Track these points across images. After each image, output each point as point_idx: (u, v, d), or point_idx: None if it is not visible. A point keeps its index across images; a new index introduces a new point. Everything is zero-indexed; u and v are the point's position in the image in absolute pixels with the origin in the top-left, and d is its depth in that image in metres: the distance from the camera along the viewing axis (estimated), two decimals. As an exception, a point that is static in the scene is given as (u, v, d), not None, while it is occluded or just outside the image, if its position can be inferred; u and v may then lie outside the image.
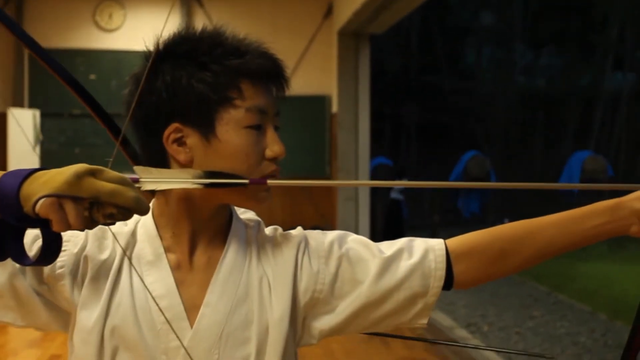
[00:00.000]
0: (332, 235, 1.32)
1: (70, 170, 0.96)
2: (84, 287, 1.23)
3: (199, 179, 1.15)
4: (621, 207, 1.26)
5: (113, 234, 1.25)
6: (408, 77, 21.98)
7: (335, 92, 9.38)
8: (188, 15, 9.20)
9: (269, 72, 1.25)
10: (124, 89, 1.26)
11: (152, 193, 1.29)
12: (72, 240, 1.24)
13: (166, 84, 1.21)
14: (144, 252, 1.26)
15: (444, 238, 1.33)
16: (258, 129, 1.23)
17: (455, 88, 21.50)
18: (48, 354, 5.44)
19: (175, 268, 1.25)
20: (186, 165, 1.21)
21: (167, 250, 1.26)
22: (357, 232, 1.35)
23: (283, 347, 1.24)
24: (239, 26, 1.27)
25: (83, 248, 1.24)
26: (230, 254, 1.27)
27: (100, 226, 1.02)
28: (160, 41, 1.24)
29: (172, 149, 1.22)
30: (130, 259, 1.25)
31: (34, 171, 0.98)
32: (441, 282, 1.29)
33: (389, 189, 12.77)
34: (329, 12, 9.49)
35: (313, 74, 9.32)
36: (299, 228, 1.34)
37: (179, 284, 1.24)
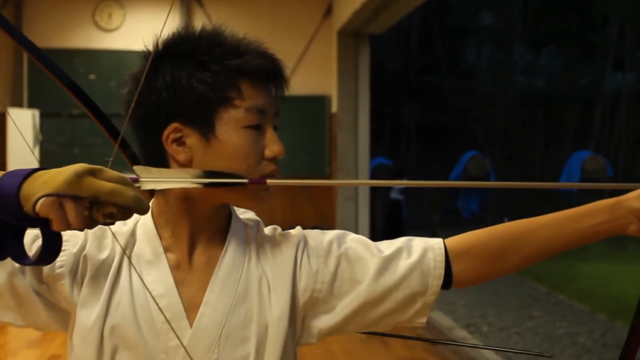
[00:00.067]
0: (331, 234, 1.32)
1: (70, 169, 0.96)
2: (83, 287, 1.23)
3: (198, 178, 1.16)
4: (620, 206, 1.26)
5: (113, 234, 1.25)
6: (408, 77, 21.97)
7: (335, 92, 9.38)
8: (188, 15, 9.20)
9: (268, 72, 1.25)
10: (123, 89, 1.26)
11: (151, 194, 1.29)
12: (72, 240, 1.24)
13: (166, 83, 1.21)
14: (143, 252, 1.26)
15: (444, 238, 1.34)
16: (257, 129, 1.23)
17: (455, 88, 21.49)
18: (47, 354, 5.44)
19: (175, 267, 1.25)
20: (185, 165, 1.21)
21: (166, 249, 1.26)
22: (356, 232, 1.35)
23: (282, 347, 1.24)
24: (238, 26, 1.27)
25: (82, 248, 1.24)
26: (230, 254, 1.27)
27: (99, 226, 1.02)
28: (160, 41, 1.24)
29: (171, 148, 1.22)
30: (129, 259, 1.25)
31: (33, 171, 0.98)
32: (440, 281, 1.29)
33: (388, 189, 12.77)
34: (328, 12, 9.49)
35: (313, 74, 9.32)
36: (298, 228, 1.35)
37: (178, 283, 1.24)
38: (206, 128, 1.21)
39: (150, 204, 1.29)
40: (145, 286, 1.22)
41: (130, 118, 1.21)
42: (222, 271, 1.25)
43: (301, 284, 1.27)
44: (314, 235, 1.32)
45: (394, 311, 1.29)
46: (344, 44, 9.26)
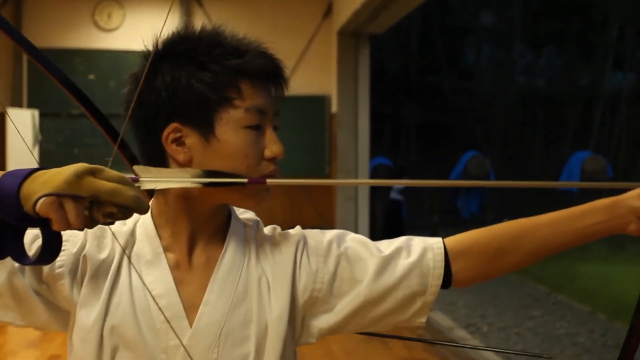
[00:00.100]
0: (330, 234, 1.32)
1: (70, 169, 0.96)
2: (83, 286, 1.23)
3: (198, 178, 1.16)
4: (619, 205, 1.26)
5: (113, 233, 1.25)
6: (408, 77, 21.98)
7: (334, 92, 9.38)
8: (187, 14, 9.20)
9: (268, 72, 1.25)
10: (123, 88, 1.26)
11: (150, 194, 1.29)
12: (71, 239, 1.24)
13: (166, 83, 1.21)
14: (143, 252, 1.26)
15: (443, 238, 1.34)
16: (257, 129, 1.23)
17: (455, 88, 21.51)
18: (47, 354, 5.44)
19: (174, 267, 1.25)
20: (185, 165, 1.21)
21: (166, 249, 1.26)
22: (356, 233, 1.35)
23: (282, 346, 1.24)
24: (238, 26, 1.27)
25: (82, 247, 1.24)
26: (229, 253, 1.27)
27: (99, 225, 1.02)
28: (160, 41, 1.24)
29: (171, 148, 1.22)
30: (129, 258, 1.25)
31: (33, 171, 0.98)
32: (439, 281, 1.29)
33: (388, 190, 12.77)
34: (328, 11, 9.49)
35: (312, 74, 9.32)
36: (298, 227, 1.35)
37: (177, 283, 1.24)
38: (206, 128, 1.20)
39: (150, 203, 1.29)
40: (145, 286, 1.22)
41: (129, 118, 1.22)
42: (221, 271, 1.25)
43: (301, 284, 1.27)
44: (313, 235, 1.32)
45: (393, 311, 1.29)
46: (344, 43, 9.26)
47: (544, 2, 21.40)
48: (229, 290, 1.25)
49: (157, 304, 1.20)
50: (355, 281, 1.28)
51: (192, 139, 1.21)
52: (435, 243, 1.31)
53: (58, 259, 1.21)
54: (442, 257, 1.29)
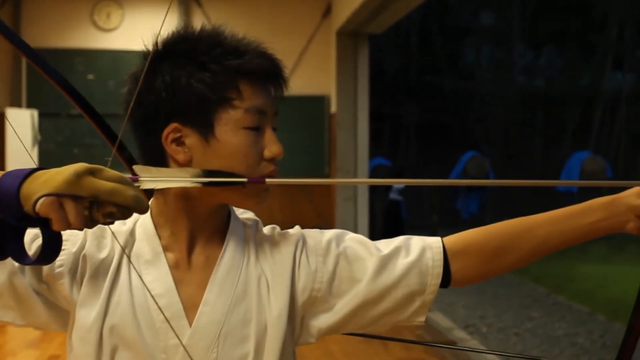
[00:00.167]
0: (329, 233, 1.32)
1: (69, 169, 0.96)
2: (82, 286, 1.23)
3: (197, 177, 1.16)
4: (617, 203, 1.26)
5: (112, 233, 1.26)
6: (407, 77, 21.97)
7: (334, 92, 9.38)
8: (186, 14, 9.20)
9: (267, 72, 1.25)
10: (122, 88, 1.26)
11: (149, 194, 1.29)
12: (71, 239, 1.24)
13: (165, 83, 1.21)
14: (142, 251, 1.26)
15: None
16: (256, 129, 1.23)
17: (455, 88, 21.50)
18: (47, 354, 5.43)
19: (174, 267, 1.25)
20: (185, 165, 1.22)
21: (165, 249, 1.26)
22: (356, 233, 1.35)
23: (281, 346, 1.24)
24: (237, 26, 1.27)
25: (82, 247, 1.24)
26: (229, 253, 1.27)
27: (99, 225, 1.02)
28: (159, 40, 1.24)
29: (170, 148, 1.22)
30: (129, 258, 1.25)
31: (33, 171, 0.99)
32: (438, 280, 1.29)
33: (387, 190, 12.77)
34: (327, 11, 9.49)
35: (312, 74, 9.33)
36: (297, 227, 1.35)
37: (177, 282, 1.24)
38: (205, 128, 1.21)
39: (150, 203, 1.29)
40: (145, 285, 1.22)
41: (129, 118, 1.22)
42: (221, 271, 1.25)
43: (300, 283, 1.28)
44: (312, 234, 1.32)
45: (392, 310, 1.29)
46: (343, 43, 9.26)
47: (543, 2, 21.40)
48: (229, 289, 1.25)
49: (156, 303, 1.21)
50: (354, 280, 1.28)
51: (191, 139, 1.21)
52: (434, 242, 1.31)
53: (58, 258, 1.21)
54: (441, 257, 1.29)
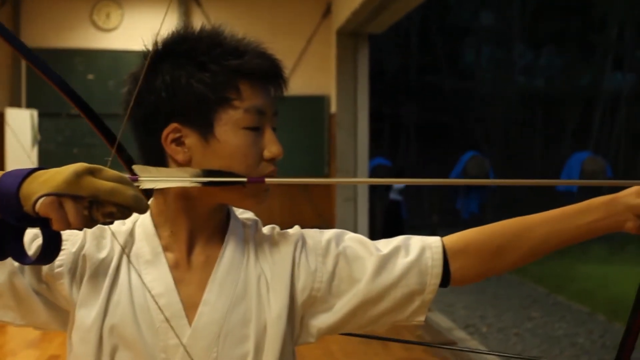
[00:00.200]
0: (329, 233, 1.32)
1: (69, 169, 0.97)
2: (82, 286, 1.23)
3: (197, 177, 1.16)
4: (616, 202, 1.26)
5: (112, 233, 1.26)
6: (407, 77, 21.98)
7: (334, 92, 9.38)
8: (186, 14, 9.20)
9: (267, 73, 1.25)
10: (122, 88, 1.26)
11: (148, 195, 1.29)
12: (71, 239, 1.24)
13: (165, 83, 1.21)
14: (142, 251, 1.26)
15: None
16: (256, 129, 1.23)
17: (455, 88, 21.51)
18: (47, 354, 5.44)
19: (174, 267, 1.25)
20: (184, 165, 1.22)
21: (165, 249, 1.26)
22: (355, 233, 1.35)
23: (281, 345, 1.24)
24: (236, 26, 1.27)
25: (81, 247, 1.24)
26: (228, 253, 1.27)
27: (98, 225, 1.02)
28: (159, 40, 1.24)
29: (170, 148, 1.22)
30: (129, 258, 1.25)
31: (33, 171, 0.99)
32: (438, 280, 1.29)
33: (387, 190, 12.78)
34: (327, 11, 9.49)
35: (312, 74, 9.32)
36: (296, 227, 1.35)
37: (177, 282, 1.24)
38: (205, 128, 1.21)
39: (149, 203, 1.29)
40: (145, 285, 1.22)
41: (129, 118, 1.22)
42: (220, 270, 1.26)
43: (299, 283, 1.28)
44: (312, 234, 1.32)
45: (392, 310, 1.29)
46: (343, 43, 9.25)
47: (543, 2, 21.40)
48: (228, 289, 1.25)
49: (156, 303, 1.21)
50: (354, 280, 1.28)
51: (191, 139, 1.21)
52: (433, 242, 1.31)
53: (57, 258, 1.21)
54: (440, 256, 1.29)
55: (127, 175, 1.03)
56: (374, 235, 10.55)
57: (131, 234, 1.28)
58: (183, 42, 1.24)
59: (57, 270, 1.22)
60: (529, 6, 21.47)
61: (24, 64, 8.95)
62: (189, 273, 1.26)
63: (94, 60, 9.24)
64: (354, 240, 1.32)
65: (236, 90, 1.21)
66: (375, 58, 12.16)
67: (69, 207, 0.96)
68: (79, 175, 0.96)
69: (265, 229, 1.34)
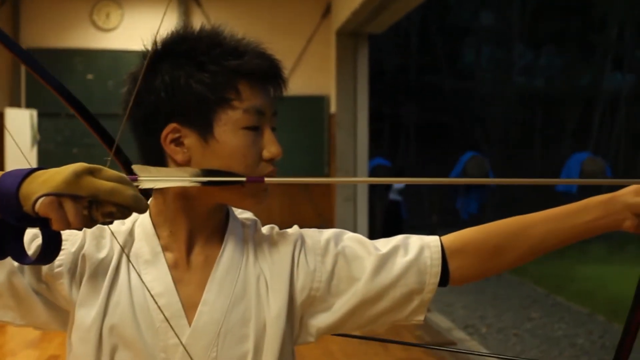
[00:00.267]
0: (328, 233, 1.33)
1: (69, 169, 0.97)
2: (82, 286, 1.24)
3: (196, 177, 1.16)
4: (614, 201, 1.26)
5: (112, 233, 1.26)
6: (407, 77, 21.98)
7: (333, 92, 9.38)
8: (186, 14, 9.20)
9: (266, 73, 1.25)
10: (121, 88, 1.26)
11: (147, 195, 1.29)
12: (70, 239, 1.24)
13: (165, 83, 1.21)
14: (141, 251, 1.26)
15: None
16: (255, 130, 1.23)
17: (455, 88, 21.51)
18: (46, 354, 5.44)
19: (173, 266, 1.25)
20: (184, 165, 1.22)
21: (164, 248, 1.26)
22: (355, 233, 1.35)
23: (280, 345, 1.24)
24: (236, 26, 1.27)
25: (81, 247, 1.24)
26: (228, 253, 1.27)
27: (98, 225, 1.02)
28: (159, 40, 1.24)
29: (169, 148, 1.22)
30: (128, 257, 1.25)
31: (33, 171, 0.99)
32: (437, 279, 1.29)
33: (387, 190, 12.77)
34: (327, 11, 9.49)
35: (311, 74, 9.32)
36: (295, 227, 1.35)
37: (176, 282, 1.25)
38: (204, 129, 1.21)
39: (149, 203, 1.29)
40: (145, 285, 1.22)
41: (128, 118, 1.22)
42: (220, 270, 1.26)
43: (299, 283, 1.28)
44: (311, 234, 1.33)
45: (391, 309, 1.29)
46: (342, 44, 9.25)
47: (543, 2, 21.40)
48: (228, 289, 1.25)
49: (156, 303, 1.21)
50: (353, 280, 1.28)
51: (190, 139, 1.21)
52: (432, 241, 1.31)
53: (57, 258, 1.21)
54: (439, 255, 1.30)
55: (126, 175, 1.03)
56: (374, 235, 10.55)
57: (131, 233, 1.28)
58: (182, 42, 1.24)
59: (56, 270, 1.22)
60: (529, 6, 21.47)
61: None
62: (189, 273, 1.26)
63: (93, 60, 9.24)
64: (353, 240, 1.32)
65: (235, 90, 1.21)
66: (375, 58, 12.16)
67: (69, 207, 0.96)
68: (78, 175, 0.96)
69: (265, 229, 1.34)
